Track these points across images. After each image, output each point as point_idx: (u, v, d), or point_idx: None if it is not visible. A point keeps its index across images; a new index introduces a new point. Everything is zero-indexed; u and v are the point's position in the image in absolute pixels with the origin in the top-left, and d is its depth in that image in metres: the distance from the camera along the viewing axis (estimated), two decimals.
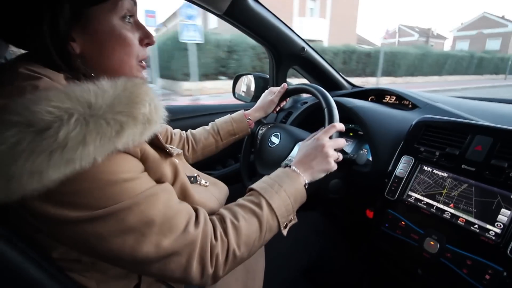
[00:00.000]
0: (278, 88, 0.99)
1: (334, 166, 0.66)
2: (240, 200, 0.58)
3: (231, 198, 0.69)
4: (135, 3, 0.52)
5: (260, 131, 0.99)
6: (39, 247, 0.44)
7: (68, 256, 0.46)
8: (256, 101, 1.04)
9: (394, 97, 1.13)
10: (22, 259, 0.40)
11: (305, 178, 0.63)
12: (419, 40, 34.23)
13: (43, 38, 0.43)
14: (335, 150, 0.67)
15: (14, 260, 0.39)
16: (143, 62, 0.57)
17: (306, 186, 0.63)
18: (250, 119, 0.98)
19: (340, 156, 0.69)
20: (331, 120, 0.72)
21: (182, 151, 0.73)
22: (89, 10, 0.46)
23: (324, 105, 0.75)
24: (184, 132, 0.96)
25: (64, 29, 0.44)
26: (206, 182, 0.71)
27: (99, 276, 0.49)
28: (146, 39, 0.55)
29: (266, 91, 1.02)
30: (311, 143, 0.68)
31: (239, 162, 1.04)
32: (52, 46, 0.44)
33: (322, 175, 0.65)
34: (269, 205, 0.56)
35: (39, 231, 0.44)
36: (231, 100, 1.55)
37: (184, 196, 0.55)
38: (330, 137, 0.68)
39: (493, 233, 0.55)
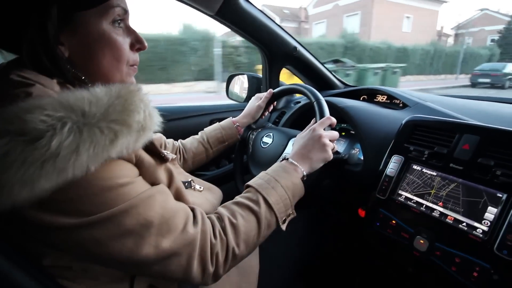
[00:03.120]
0: (265, 93, 1.00)
1: (331, 155, 0.67)
2: (238, 198, 0.59)
3: (225, 199, 0.69)
4: (126, 11, 0.52)
5: (251, 136, 1.00)
6: (29, 254, 0.44)
7: (59, 263, 0.46)
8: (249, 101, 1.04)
9: (386, 97, 1.14)
10: (12, 267, 0.40)
11: (304, 169, 0.64)
12: (284, 26, 20.91)
13: (32, 41, 0.42)
14: (330, 140, 0.68)
15: (4, 268, 0.39)
16: (134, 66, 0.56)
17: (305, 178, 0.63)
18: (238, 125, 0.99)
19: (336, 146, 0.70)
20: (321, 112, 0.73)
21: (176, 156, 0.73)
22: (78, 14, 0.46)
23: (312, 99, 0.77)
24: (176, 142, 0.96)
25: (52, 33, 0.43)
26: (200, 187, 0.71)
27: (90, 283, 0.48)
28: (137, 44, 0.55)
29: (253, 97, 1.04)
30: (307, 135, 0.68)
31: (233, 163, 1.04)
32: (41, 50, 0.43)
33: (321, 164, 0.66)
34: (267, 202, 0.56)
35: (31, 239, 0.43)
36: None
37: (179, 201, 0.55)
38: (324, 129, 0.69)
39: (481, 231, 0.56)
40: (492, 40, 23.94)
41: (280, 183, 0.59)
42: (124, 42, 0.52)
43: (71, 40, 0.47)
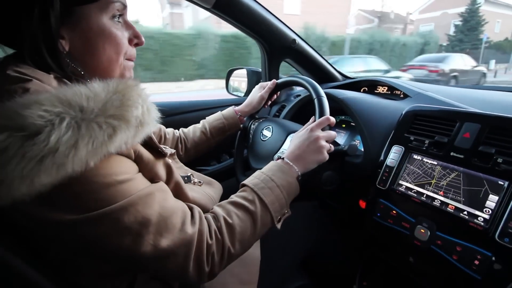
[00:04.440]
0: (268, 83, 0.99)
1: (327, 157, 0.67)
2: (233, 197, 0.59)
3: (226, 194, 0.69)
4: (125, 6, 0.52)
5: (252, 126, 0.99)
6: (33, 247, 0.45)
7: (61, 256, 0.46)
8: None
9: (386, 88, 1.13)
10: (15, 258, 0.40)
11: (298, 169, 0.63)
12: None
13: (34, 34, 0.43)
14: (326, 141, 0.67)
15: (7, 260, 0.39)
16: (132, 61, 0.57)
17: (299, 178, 0.63)
18: (240, 115, 0.98)
19: (332, 147, 0.69)
20: (321, 111, 0.72)
21: (175, 151, 0.73)
22: (80, 8, 0.46)
23: (314, 95, 0.75)
24: (176, 131, 0.96)
25: (55, 26, 0.44)
26: (200, 181, 0.71)
27: (93, 275, 0.49)
28: (135, 38, 0.55)
29: (256, 86, 1.03)
30: (303, 135, 0.68)
31: (235, 152, 1.04)
32: (43, 43, 0.43)
33: (315, 166, 0.66)
34: (262, 201, 0.56)
35: (33, 233, 0.44)
36: None
37: (178, 196, 0.55)
38: (323, 129, 0.68)
39: (482, 219, 0.55)
40: (456, 26, 18.85)
41: (275, 182, 0.59)
42: (123, 37, 0.52)
43: (71, 34, 0.47)
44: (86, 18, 0.47)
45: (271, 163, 0.65)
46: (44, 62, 0.44)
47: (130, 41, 0.55)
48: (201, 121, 0.99)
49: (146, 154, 0.49)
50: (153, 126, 0.47)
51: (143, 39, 0.56)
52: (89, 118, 0.38)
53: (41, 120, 0.35)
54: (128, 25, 0.54)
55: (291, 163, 0.63)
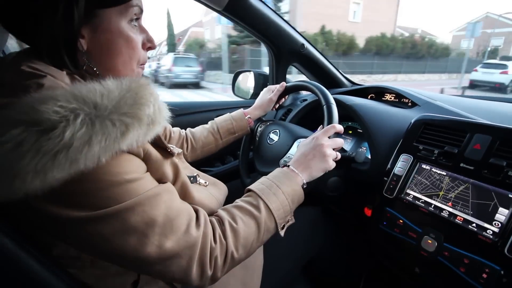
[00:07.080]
0: (277, 86, 0.99)
1: (332, 165, 0.66)
2: (238, 202, 0.59)
3: (230, 195, 0.69)
4: (142, 10, 0.53)
5: (259, 128, 0.99)
6: (40, 243, 0.45)
7: (68, 253, 0.46)
8: (255, 98, 1.04)
9: (394, 95, 1.13)
10: (23, 253, 0.40)
11: (303, 177, 0.63)
12: None
13: (56, 32, 0.43)
14: (333, 149, 0.67)
15: (15, 255, 0.40)
16: (143, 65, 0.58)
17: (304, 186, 0.63)
18: (249, 117, 0.98)
19: (339, 155, 0.69)
20: (330, 118, 0.72)
21: (182, 150, 0.73)
22: (102, 11, 0.47)
23: (323, 102, 0.75)
24: (183, 130, 0.96)
25: (77, 25, 0.44)
26: (205, 182, 0.71)
27: (99, 273, 0.49)
28: (148, 43, 0.56)
29: (265, 89, 1.03)
30: (309, 143, 0.68)
31: (238, 159, 1.04)
32: (63, 41, 0.44)
33: (320, 174, 0.66)
34: (267, 207, 0.56)
35: (40, 229, 0.44)
36: None
37: (184, 196, 0.55)
38: (329, 137, 0.68)
39: (491, 232, 0.55)
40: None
41: (281, 189, 0.59)
42: (138, 41, 0.53)
43: (92, 34, 0.48)
44: (107, 20, 0.48)
45: (277, 169, 0.65)
46: (60, 59, 0.45)
47: (143, 45, 0.55)
48: (210, 122, 0.99)
49: (154, 153, 0.49)
50: (163, 125, 0.47)
51: (155, 43, 0.57)
52: (103, 115, 0.38)
53: (56, 115, 0.35)
54: (142, 29, 0.55)
55: (296, 171, 0.63)
